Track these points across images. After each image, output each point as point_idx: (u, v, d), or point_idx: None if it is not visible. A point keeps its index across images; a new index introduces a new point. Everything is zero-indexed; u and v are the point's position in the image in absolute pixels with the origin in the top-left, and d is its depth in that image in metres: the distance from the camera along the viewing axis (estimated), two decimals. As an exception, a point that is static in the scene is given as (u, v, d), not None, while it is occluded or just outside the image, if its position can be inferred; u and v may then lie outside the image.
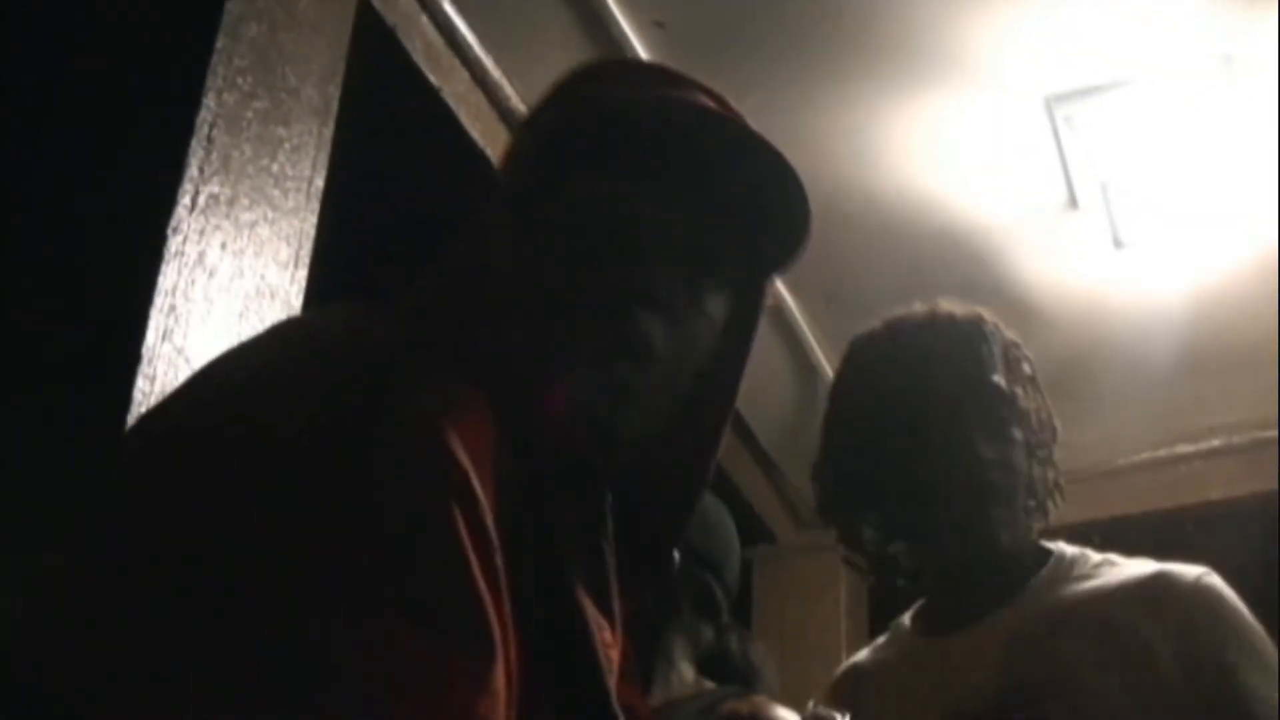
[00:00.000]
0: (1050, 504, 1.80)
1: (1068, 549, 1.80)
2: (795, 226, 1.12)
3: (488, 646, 0.83)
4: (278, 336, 1.04)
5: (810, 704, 1.47)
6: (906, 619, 1.90)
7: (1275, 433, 3.46)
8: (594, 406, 1.03)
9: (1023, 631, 1.70)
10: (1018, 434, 1.76)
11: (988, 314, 1.85)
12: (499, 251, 1.08)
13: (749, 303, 1.17)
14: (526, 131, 1.20)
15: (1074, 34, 2.63)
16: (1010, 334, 1.85)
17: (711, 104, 1.13)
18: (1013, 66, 2.72)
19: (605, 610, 1.04)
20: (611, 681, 0.98)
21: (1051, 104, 2.77)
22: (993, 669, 1.69)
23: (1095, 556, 1.79)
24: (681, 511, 1.17)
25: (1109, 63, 2.69)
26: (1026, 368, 1.84)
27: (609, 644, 1.02)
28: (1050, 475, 1.80)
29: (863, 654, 1.97)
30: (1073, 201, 3.01)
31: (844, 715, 1.43)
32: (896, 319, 1.88)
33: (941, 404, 1.76)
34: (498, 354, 1.03)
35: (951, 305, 1.86)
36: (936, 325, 1.83)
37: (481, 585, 0.83)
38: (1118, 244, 3.06)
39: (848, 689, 1.89)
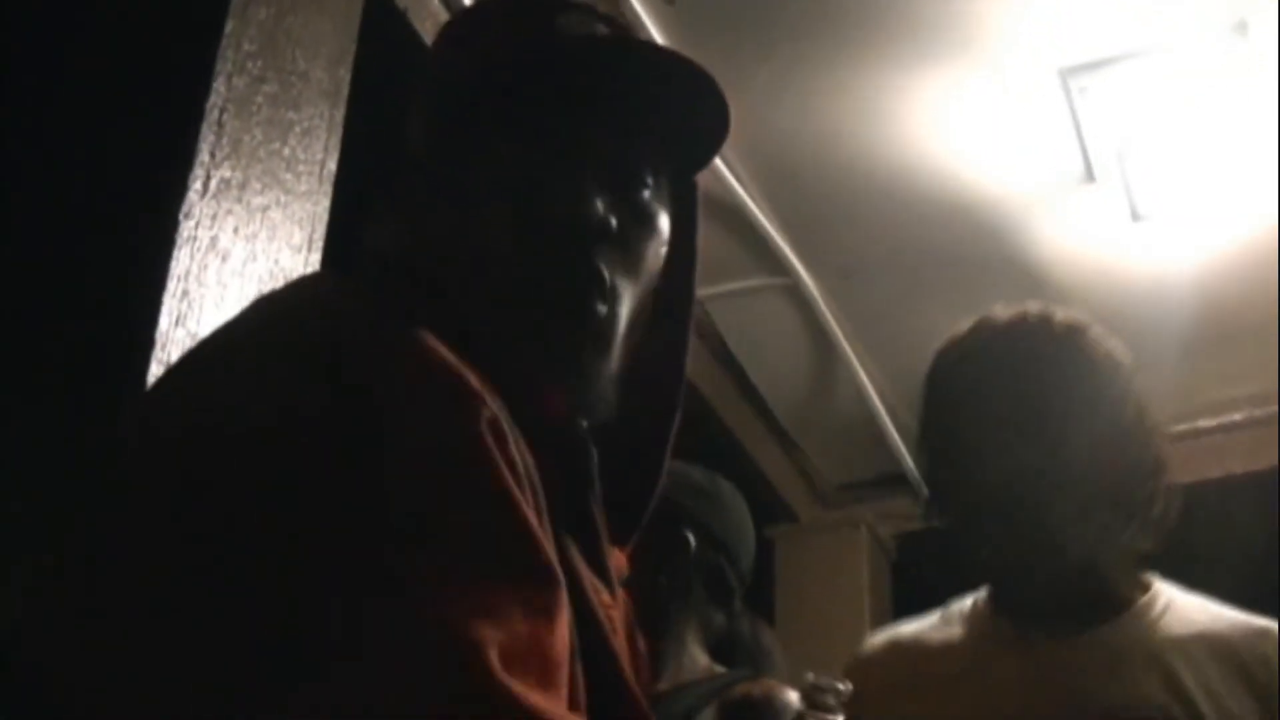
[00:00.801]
0: (1154, 529, 1.76)
1: (1166, 584, 1.79)
2: (714, 119, 1.13)
3: (550, 578, 0.83)
4: (262, 319, 1.02)
5: (809, 675, 1.45)
6: (969, 604, 1.85)
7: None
8: (573, 358, 1.03)
9: (1136, 650, 1.70)
10: (1122, 453, 1.74)
11: (1091, 323, 1.81)
12: (436, 223, 1.09)
13: (684, 206, 1.18)
14: (432, 93, 1.18)
15: (1087, 4, 2.62)
16: (1114, 344, 1.82)
17: (603, 28, 1.13)
18: (1026, 38, 2.70)
19: (600, 571, 1.04)
20: (618, 643, 0.99)
21: (1066, 76, 2.75)
22: (1110, 682, 1.68)
23: (1194, 598, 1.78)
24: (656, 455, 1.18)
25: (1123, 33, 2.67)
26: (1128, 384, 1.80)
27: (608, 604, 1.02)
28: (1155, 500, 1.76)
29: (907, 629, 1.91)
30: (1089, 174, 2.99)
31: (845, 685, 1.42)
32: (992, 321, 1.83)
33: (1028, 413, 1.74)
34: (468, 318, 1.02)
35: (1053, 311, 1.82)
36: (1028, 330, 1.80)
37: (531, 519, 0.84)
38: (1135, 216, 3.04)
39: (893, 660, 1.85)
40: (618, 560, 1.14)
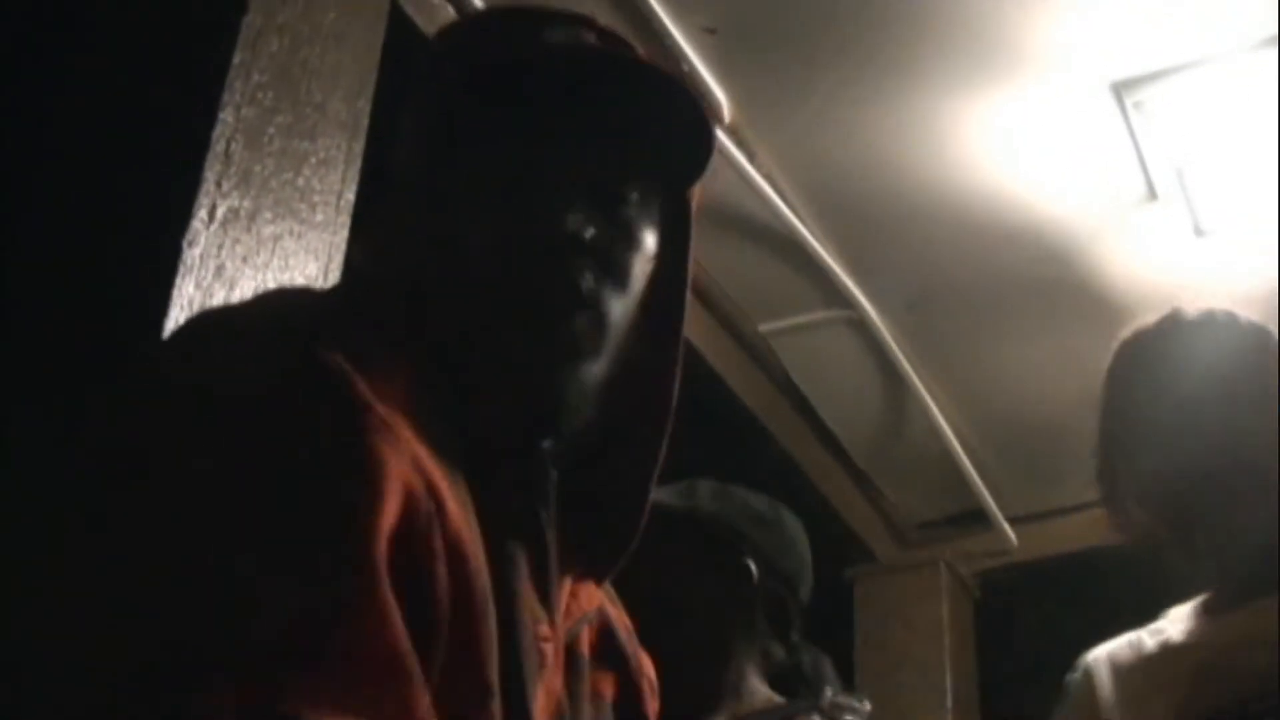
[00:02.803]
0: None
1: None
2: (699, 134, 1.12)
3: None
4: (206, 331, 1.02)
5: (827, 692, 1.42)
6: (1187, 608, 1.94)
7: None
8: (543, 372, 1.01)
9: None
10: (1269, 422, 1.81)
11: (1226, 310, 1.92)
12: (413, 233, 1.08)
13: (677, 222, 1.15)
14: (417, 101, 1.17)
15: (1136, 16, 2.56)
16: (1259, 325, 1.92)
17: (593, 39, 1.12)
18: (1076, 54, 2.65)
19: (545, 600, 1.01)
20: (538, 675, 0.96)
21: (1120, 90, 2.69)
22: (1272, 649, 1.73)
23: None
24: (645, 477, 1.13)
25: (1175, 44, 2.61)
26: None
27: (545, 637, 0.99)
28: None
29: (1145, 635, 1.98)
30: (1151, 191, 2.92)
31: (865, 704, 1.38)
32: (1176, 320, 1.94)
33: (1186, 395, 1.84)
34: (438, 329, 1.02)
35: (1238, 311, 1.94)
36: (1215, 326, 1.91)
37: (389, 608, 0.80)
38: (1199, 232, 2.96)
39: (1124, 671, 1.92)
40: (587, 592, 1.11)
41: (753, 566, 2.10)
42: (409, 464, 0.86)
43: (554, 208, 1.04)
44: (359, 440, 0.84)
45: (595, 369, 1.04)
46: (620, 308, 1.06)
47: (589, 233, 1.03)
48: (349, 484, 0.83)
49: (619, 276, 1.06)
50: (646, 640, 1.25)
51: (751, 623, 2.10)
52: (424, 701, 0.80)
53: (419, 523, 0.86)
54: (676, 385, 1.14)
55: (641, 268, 1.09)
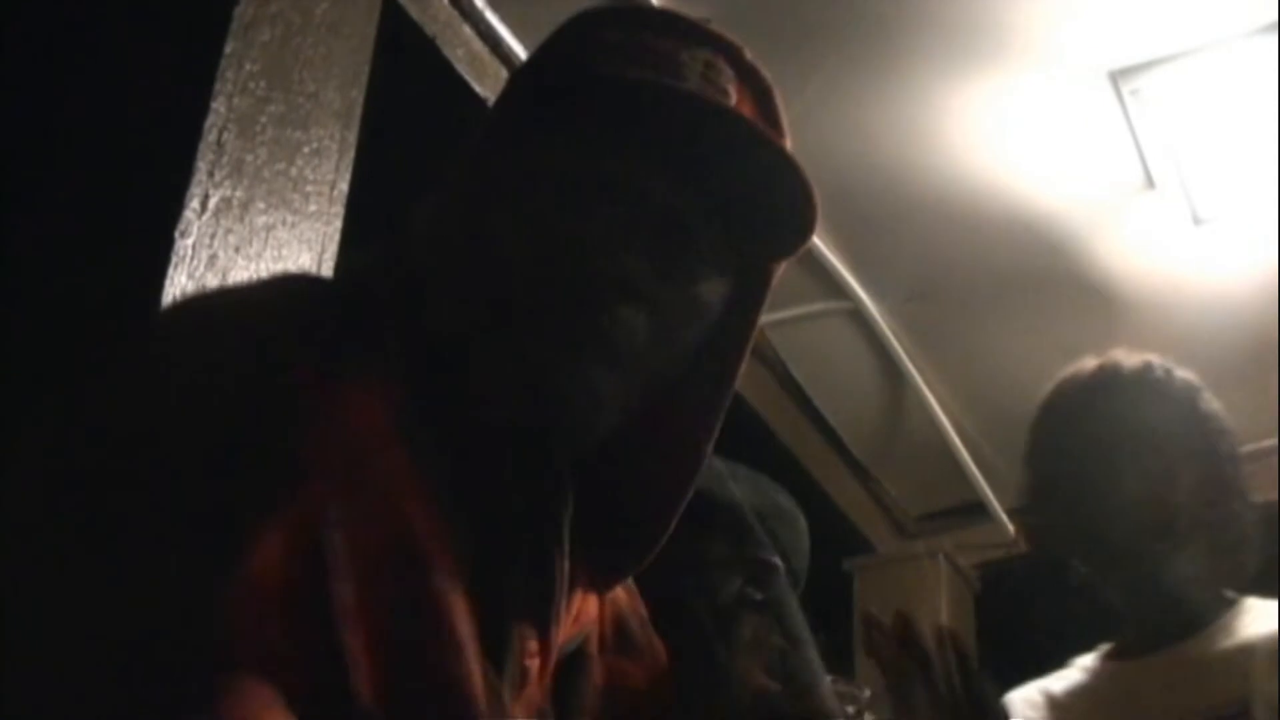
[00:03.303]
0: (1243, 555, 1.92)
1: (1257, 600, 1.91)
2: (799, 214, 1.06)
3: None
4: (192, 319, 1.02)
5: (828, 678, 1.41)
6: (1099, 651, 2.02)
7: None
8: (560, 401, 0.97)
9: (1216, 660, 1.83)
10: (1186, 474, 1.89)
11: (1159, 361, 2.00)
12: (457, 223, 1.03)
13: (751, 288, 1.10)
14: (512, 94, 1.12)
15: (1132, 3, 2.54)
16: (1188, 377, 1.99)
17: (723, 65, 1.06)
18: (1072, 42, 2.63)
19: (538, 616, 0.99)
20: (516, 693, 0.94)
21: (1116, 78, 2.67)
22: (1177, 693, 1.81)
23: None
24: (671, 502, 1.10)
25: (1172, 31, 2.59)
26: (1205, 412, 1.97)
27: (531, 653, 0.97)
28: (1237, 525, 1.92)
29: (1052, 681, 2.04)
30: (1148, 180, 2.90)
31: (865, 691, 1.37)
32: (1073, 374, 2.02)
33: (1101, 443, 1.91)
34: (443, 330, 0.99)
35: (1126, 356, 2.00)
36: (1104, 376, 1.98)
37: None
38: (1196, 220, 2.95)
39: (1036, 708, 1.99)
40: (585, 606, 1.09)
41: (779, 564, 2.10)
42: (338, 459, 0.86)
43: (606, 243, 0.98)
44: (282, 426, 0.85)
45: (609, 379, 0.98)
46: (651, 359, 1.01)
47: (642, 281, 0.98)
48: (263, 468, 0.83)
49: (663, 330, 1.01)
50: (660, 626, 1.23)
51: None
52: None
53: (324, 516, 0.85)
54: (715, 430, 1.11)
55: (691, 324, 1.04)
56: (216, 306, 1.01)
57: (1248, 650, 1.81)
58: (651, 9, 1.10)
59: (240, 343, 0.90)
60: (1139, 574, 1.90)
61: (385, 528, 0.87)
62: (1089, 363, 2.01)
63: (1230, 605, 1.90)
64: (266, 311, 0.95)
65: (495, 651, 0.92)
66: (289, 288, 1.09)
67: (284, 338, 0.91)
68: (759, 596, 2.06)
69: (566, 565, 1.02)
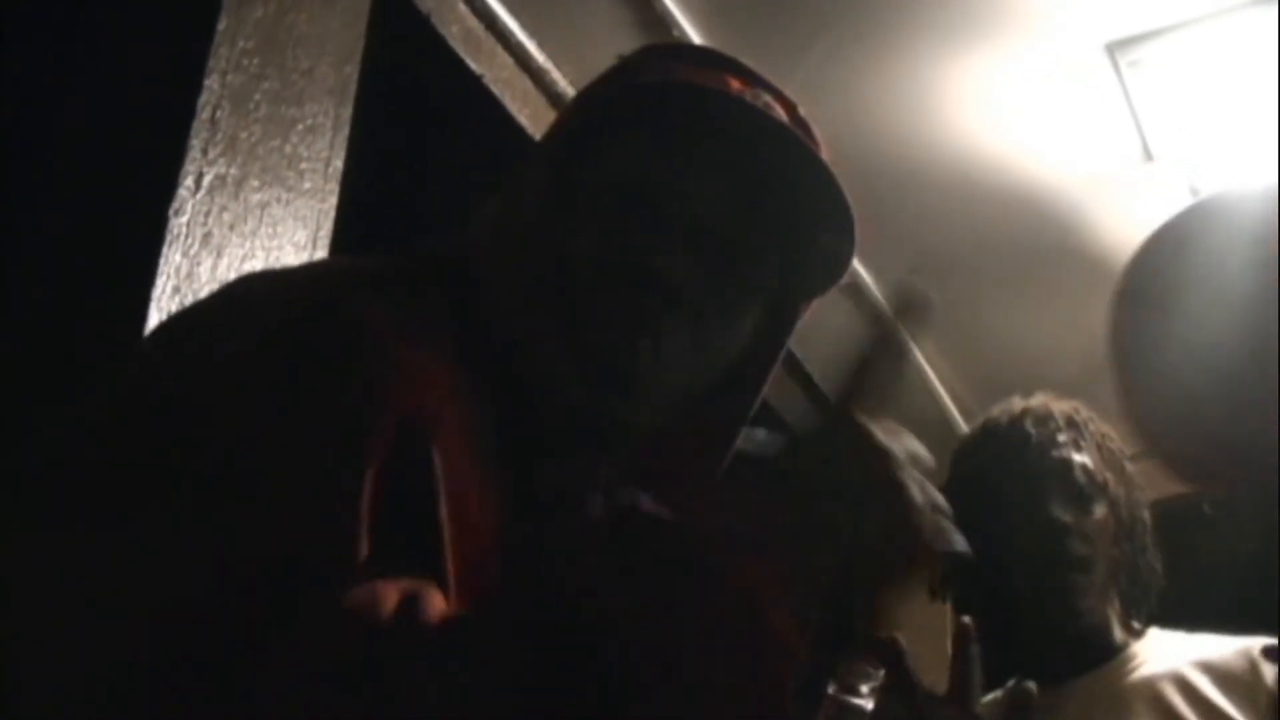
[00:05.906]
0: (1152, 594, 1.99)
1: (1164, 632, 1.97)
2: (841, 258, 1.13)
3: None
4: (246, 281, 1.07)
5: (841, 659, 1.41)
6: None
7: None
8: (615, 379, 1.02)
9: (1116, 692, 1.88)
10: (1101, 511, 1.95)
11: (1083, 407, 2.07)
12: (524, 211, 1.07)
13: (781, 320, 1.15)
14: (576, 104, 1.19)
15: (1129, -27, 2.53)
16: (1105, 426, 2.05)
17: (779, 108, 1.10)
18: (1069, 13, 2.61)
19: None
20: None
21: (1114, 50, 2.66)
22: None
23: (1189, 635, 1.96)
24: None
25: (1169, 2, 2.57)
26: (1118, 457, 2.03)
27: None
28: (1148, 562, 1.99)
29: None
30: (1146, 152, 2.90)
31: (878, 671, 1.37)
32: (998, 414, 2.10)
33: (1022, 479, 1.97)
34: (501, 318, 1.02)
35: (1049, 399, 2.08)
36: (1028, 415, 2.05)
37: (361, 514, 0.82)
38: (1195, 193, 2.93)
39: None
40: None
41: None
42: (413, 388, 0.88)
43: (658, 248, 1.03)
44: (359, 365, 0.86)
45: (656, 367, 1.03)
46: (687, 360, 1.06)
47: (680, 276, 1.03)
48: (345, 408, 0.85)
49: (699, 341, 1.06)
50: None
51: None
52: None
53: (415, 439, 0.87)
54: (726, 459, 1.14)
55: (724, 341, 1.08)
56: (287, 269, 1.05)
57: (1157, 681, 1.87)
58: (714, 51, 1.16)
59: (314, 284, 0.95)
60: (1058, 605, 1.92)
61: (457, 466, 0.89)
62: (1016, 403, 2.08)
63: (1139, 635, 1.96)
64: (335, 265, 1.00)
65: None
66: (352, 259, 1.15)
67: (356, 285, 0.94)
68: None
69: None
